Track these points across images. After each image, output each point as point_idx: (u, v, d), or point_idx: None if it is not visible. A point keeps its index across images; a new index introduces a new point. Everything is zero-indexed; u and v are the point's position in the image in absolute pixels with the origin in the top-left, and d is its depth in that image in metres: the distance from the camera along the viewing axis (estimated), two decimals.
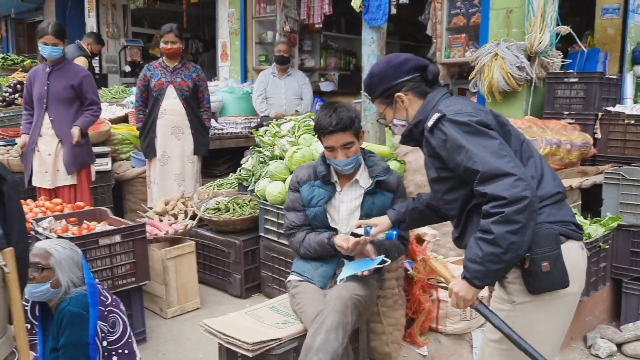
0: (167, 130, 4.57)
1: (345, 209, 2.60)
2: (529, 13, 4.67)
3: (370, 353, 2.84)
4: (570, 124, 4.43)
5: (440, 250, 3.40)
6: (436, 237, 3.21)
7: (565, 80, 4.61)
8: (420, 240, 3.21)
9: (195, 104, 4.69)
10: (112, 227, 2.94)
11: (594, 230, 3.22)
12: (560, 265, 1.71)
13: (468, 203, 1.84)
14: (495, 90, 4.73)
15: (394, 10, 4.41)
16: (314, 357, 2.08)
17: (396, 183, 2.60)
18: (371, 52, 3.23)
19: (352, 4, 3.22)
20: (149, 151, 4.63)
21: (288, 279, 2.65)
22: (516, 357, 1.80)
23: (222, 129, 5.70)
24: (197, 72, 4.72)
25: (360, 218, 2.54)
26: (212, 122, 5.64)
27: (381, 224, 2.34)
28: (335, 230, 2.56)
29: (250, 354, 2.27)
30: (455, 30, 5.53)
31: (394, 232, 2.40)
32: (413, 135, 1.98)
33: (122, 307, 2.52)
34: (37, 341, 2.44)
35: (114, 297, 2.54)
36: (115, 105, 5.95)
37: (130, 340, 2.47)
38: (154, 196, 4.57)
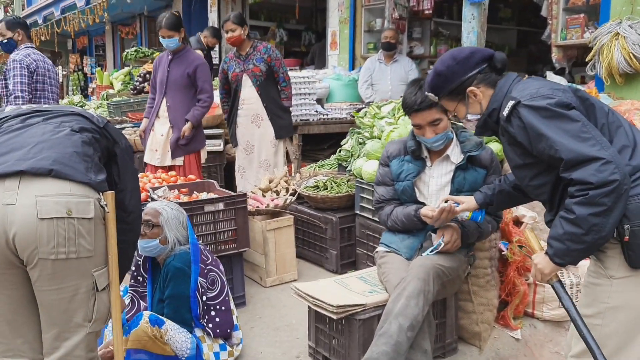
0: (247, 119, 4.68)
1: (435, 184, 2.60)
2: None
3: (459, 331, 2.82)
4: None
5: (539, 234, 3.26)
6: (535, 219, 3.09)
7: None
8: (518, 222, 3.12)
9: (273, 87, 4.69)
10: (216, 196, 3.18)
11: None
12: None
13: (559, 186, 1.77)
14: (615, 72, 4.40)
15: None
16: (394, 322, 2.12)
17: (489, 159, 2.55)
18: (471, 29, 3.18)
19: None
20: (234, 141, 4.81)
21: (376, 250, 2.71)
22: (606, 333, 1.73)
23: (327, 115, 5.85)
24: (269, 52, 4.65)
25: (451, 193, 2.54)
26: (318, 107, 5.85)
27: (467, 203, 2.32)
28: (423, 205, 2.57)
29: (334, 316, 2.37)
30: (574, 10, 5.20)
31: (480, 215, 2.37)
32: (488, 126, 1.94)
33: (221, 267, 2.73)
34: (146, 293, 2.73)
35: (214, 257, 2.76)
36: None
37: (227, 299, 2.67)
38: (239, 184, 4.79)
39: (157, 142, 4.34)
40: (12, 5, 18.06)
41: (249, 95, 4.64)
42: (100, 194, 1.77)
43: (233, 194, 3.26)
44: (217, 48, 8.94)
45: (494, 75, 1.94)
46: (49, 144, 1.74)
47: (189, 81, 4.30)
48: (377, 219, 3.44)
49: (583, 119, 1.68)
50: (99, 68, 11.29)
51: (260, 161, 4.71)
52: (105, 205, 1.77)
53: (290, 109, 4.91)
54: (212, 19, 9.53)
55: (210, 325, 2.57)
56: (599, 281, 1.76)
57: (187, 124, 4.23)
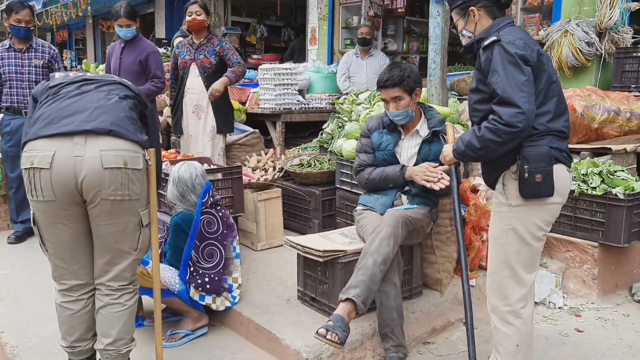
0: (190, 108, 4.65)
1: (405, 154, 3.11)
2: None
3: (424, 279, 3.33)
4: (637, 96, 4.62)
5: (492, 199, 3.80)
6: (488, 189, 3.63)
7: (634, 54, 4.78)
8: (474, 190, 3.65)
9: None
10: (215, 166, 3.64)
11: (639, 185, 3.50)
12: (549, 180, 2.19)
13: (486, 118, 2.26)
14: (564, 66, 4.99)
15: None
16: (370, 258, 2.62)
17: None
18: (437, 24, 3.69)
19: None
20: (177, 129, 4.78)
21: (355, 209, 3.21)
22: (511, 249, 2.30)
23: (307, 104, 6.32)
24: (221, 44, 4.63)
25: (416, 163, 3.05)
26: (300, 97, 6.29)
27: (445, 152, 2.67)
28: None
29: (321, 259, 2.86)
30: (530, 10, 5.79)
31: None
32: (473, 49, 2.41)
33: (230, 239, 3.14)
34: None
35: (229, 225, 3.15)
36: None
37: (222, 271, 3.06)
38: None
39: None
40: None
41: (194, 85, 4.61)
42: (145, 150, 2.24)
43: (230, 165, 3.73)
44: None
45: (495, 8, 2.38)
46: (105, 109, 2.19)
47: (141, 68, 4.47)
48: (355, 191, 3.96)
49: (529, 76, 2.16)
50: (86, 60, 11.52)
51: (198, 153, 4.63)
52: (149, 159, 2.25)
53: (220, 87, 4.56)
54: None
55: (199, 283, 2.99)
56: (502, 209, 2.33)
57: None
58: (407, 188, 3.07)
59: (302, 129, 6.54)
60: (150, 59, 4.50)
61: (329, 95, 6.55)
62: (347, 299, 2.53)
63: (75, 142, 2.10)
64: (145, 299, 3.15)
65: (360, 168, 3.18)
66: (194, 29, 4.61)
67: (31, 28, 4.60)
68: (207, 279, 3.02)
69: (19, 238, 4.69)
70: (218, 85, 4.44)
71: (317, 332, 2.40)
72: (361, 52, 6.67)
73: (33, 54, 4.63)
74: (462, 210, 3.49)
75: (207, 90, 4.53)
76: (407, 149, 3.10)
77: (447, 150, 2.54)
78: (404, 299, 3.15)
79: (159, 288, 2.53)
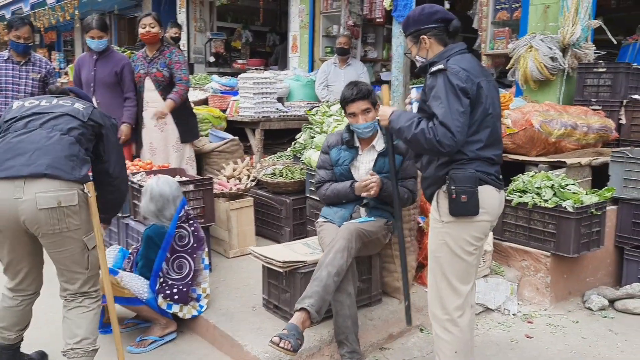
0: (151, 122, 4.63)
1: (364, 169, 3.29)
2: (564, 8, 5.08)
3: (384, 287, 3.52)
4: (596, 110, 4.83)
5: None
6: None
7: (595, 70, 4.99)
8: None
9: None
10: (187, 179, 3.81)
11: (589, 199, 3.70)
12: (474, 200, 2.40)
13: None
14: (530, 79, 5.20)
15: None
16: (324, 269, 2.80)
17: (405, 148, 3.25)
18: (399, 43, 3.87)
19: (384, 3, 3.87)
20: (139, 140, 4.78)
21: (316, 221, 3.39)
22: (445, 262, 2.50)
23: (286, 112, 6.47)
24: (172, 55, 4.63)
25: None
26: (279, 105, 6.42)
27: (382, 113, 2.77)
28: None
29: (281, 270, 3.04)
30: (500, 24, 6.00)
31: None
32: (425, 70, 2.59)
33: (199, 252, 3.32)
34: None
35: (199, 238, 3.33)
36: (199, 90, 6.91)
37: (190, 282, 3.23)
38: None
39: None
40: None
41: (153, 99, 4.67)
42: (84, 184, 2.48)
43: (201, 177, 3.90)
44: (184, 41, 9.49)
45: (445, 35, 2.57)
46: (44, 151, 2.43)
47: (117, 79, 4.61)
48: None
49: (466, 108, 2.36)
50: (71, 65, 11.63)
51: (165, 163, 4.62)
52: (88, 192, 2.49)
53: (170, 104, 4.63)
54: (181, 19, 10.04)
55: (168, 293, 3.16)
56: (436, 225, 2.54)
57: (123, 125, 4.54)
58: (365, 201, 3.25)
59: (282, 135, 6.71)
60: (124, 70, 4.64)
61: (308, 103, 6.73)
62: (302, 309, 2.70)
63: (16, 185, 2.38)
64: (116, 306, 3.31)
65: (319, 184, 3.36)
66: (147, 41, 4.64)
67: (29, 44, 4.76)
68: (175, 290, 3.18)
69: None
70: (164, 109, 4.54)
71: (271, 340, 2.58)
72: (339, 61, 6.85)
73: (31, 67, 4.80)
74: (420, 221, 3.68)
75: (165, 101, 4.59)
76: (365, 163, 3.27)
77: (385, 113, 2.64)
78: (363, 307, 3.35)
79: (112, 299, 2.72)
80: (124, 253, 3.45)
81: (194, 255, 3.29)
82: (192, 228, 3.27)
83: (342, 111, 4.54)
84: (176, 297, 3.17)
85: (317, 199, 4.20)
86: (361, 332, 3.09)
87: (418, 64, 2.68)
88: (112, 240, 4.26)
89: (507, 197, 3.92)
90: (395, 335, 3.34)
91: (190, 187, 3.73)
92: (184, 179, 3.85)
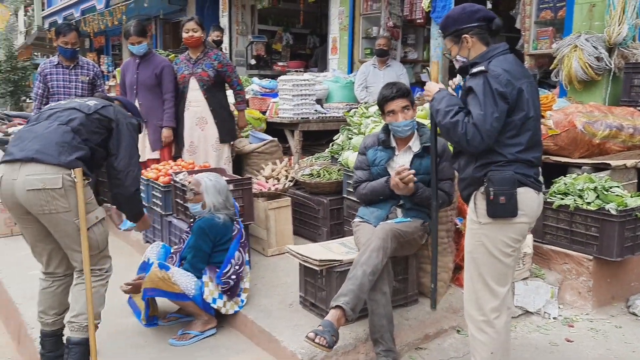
0: (192, 121, 4.86)
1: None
2: (610, 7, 4.95)
3: (420, 287, 3.52)
4: None
5: None
6: None
7: None
8: None
9: (220, 92, 4.93)
10: (227, 178, 3.91)
11: (634, 201, 3.60)
12: (513, 201, 2.38)
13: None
14: (574, 80, 5.08)
15: None
16: (359, 268, 2.83)
17: (442, 149, 3.25)
18: (437, 44, 3.87)
19: (422, 4, 3.88)
20: (180, 141, 4.97)
21: (353, 221, 3.42)
22: (482, 264, 2.49)
23: (325, 113, 6.53)
24: (219, 58, 4.86)
25: None
26: (317, 107, 6.50)
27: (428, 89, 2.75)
28: None
29: (317, 268, 3.09)
30: (544, 24, 5.88)
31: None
32: (466, 70, 2.59)
33: (246, 247, 3.47)
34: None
35: (245, 239, 3.50)
36: None
37: (241, 274, 3.40)
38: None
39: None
40: (32, 5, 18.86)
41: (196, 98, 4.86)
42: (71, 169, 2.61)
43: (241, 177, 3.99)
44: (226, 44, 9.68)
45: (487, 34, 2.56)
46: (39, 138, 2.65)
47: (157, 81, 4.82)
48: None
49: (501, 114, 2.35)
50: (118, 69, 12.02)
51: (204, 162, 4.82)
52: (74, 177, 2.61)
53: (234, 113, 5.24)
54: (224, 23, 10.25)
55: (224, 282, 3.28)
56: (473, 226, 2.53)
57: (164, 130, 4.80)
58: (401, 202, 3.27)
59: (320, 137, 6.76)
60: (164, 72, 4.84)
61: (346, 105, 6.76)
62: (337, 306, 2.74)
63: (13, 168, 2.63)
64: (162, 300, 3.43)
65: (356, 184, 3.39)
66: (191, 45, 4.86)
67: (77, 49, 4.98)
68: (234, 277, 3.31)
69: None
70: (242, 122, 5.18)
71: (306, 335, 2.63)
72: (378, 62, 6.86)
73: (80, 70, 5.04)
74: (458, 222, 3.67)
75: (207, 102, 4.84)
76: (402, 164, 3.28)
77: (431, 89, 2.64)
78: (399, 307, 3.36)
79: (90, 288, 2.80)
80: (166, 249, 3.56)
81: (246, 248, 3.44)
82: (242, 224, 3.47)
83: (380, 112, 4.62)
84: (231, 285, 3.29)
85: (355, 199, 4.24)
86: (397, 332, 3.11)
87: (458, 65, 2.68)
88: (156, 237, 4.40)
89: (548, 200, 3.86)
90: (431, 336, 3.34)
91: (230, 187, 3.81)
92: (224, 178, 3.94)
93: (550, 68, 5.39)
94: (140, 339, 3.27)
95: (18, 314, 3.62)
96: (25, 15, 21.57)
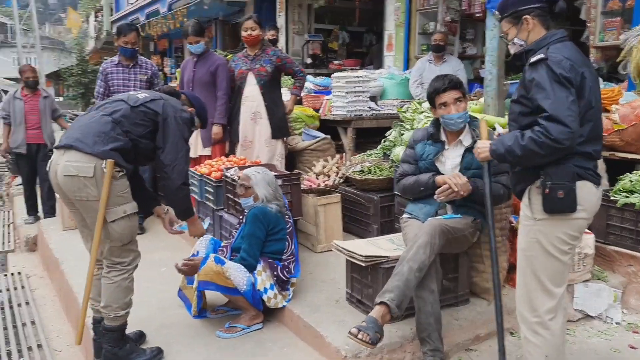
0: (247, 115, 4.92)
1: (450, 164, 3.20)
2: None
3: (471, 287, 3.40)
4: None
5: None
6: None
7: None
8: None
9: (275, 88, 4.97)
10: (276, 173, 3.92)
11: None
12: (572, 195, 2.23)
13: (524, 129, 2.32)
14: None
15: None
16: (406, 264, 2.76)
17: None
18: (493, 36, 3.72)
19: None
20: (235, 136, 5.02)
21: (401, 217, 3.35)
22: (537, 262, 2.35)
23: (379, 110, 6.45)
24: (277, 54, 4.95)
25: (460, 171, 3.13)
26: (371, 104, 6.43)
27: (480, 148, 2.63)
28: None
29: (363, 264, 3.04)
30: (611, 14, 5.57)
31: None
32: (521, 59, 2.45)
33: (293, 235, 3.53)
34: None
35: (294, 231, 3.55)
36: None
37: (292, 263, 3.46)
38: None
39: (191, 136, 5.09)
40: (102, 11, 19.73)
41: (252, 93, 4.91)
42: (104, 160, 2.67)
43: (289, 172, 4.00)
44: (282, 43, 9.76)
45: (548, 17, 2.42)
46: (82, 127, 2.79)
47: (212, 79, 4.93)
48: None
49: (575, 97, 2.21)
50: (179, 69, 12.38)
51: (255, 157, 4.89)
52: (104, 167, 2.68)
53: (291, 107, 5.28)
54: (280, 22, 10.35)
55: (279, 268, 3.33)
56: (527, 222, 2.39)
57: (215, 127, 4.88)
58: None
59: (374, 134, 6.68)
60: (219, 70, 4.95)
61: (401, 102, 6.65)
62: (381, 302, 2.68)
63: (59, 153, 2.78)
64: (210, 294, 3.48)
65: (400, 177, 3.31)
66: (249, 43, 4.95)
67: (136, 49, 5.16)
68: (285, 271, 3.36)
69: None
70: (291, 105, 5.17)
71: (349, 331, 2.58)
72: (434, 58, 6.72)
73: (138, 69, 5.21)
74: (513, 220, 3.52)
75: (263, 97, 4.88)
76: (452, 158, 3.19)
77: (483, 147, 2.54)
78: (449, 306, 3.26)
79: (91, 275, 2.90)
80: (215, 243, 3.60)
81: (294, 240, 3.49)
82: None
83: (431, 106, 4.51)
84: (285, 272, 3.35)
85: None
86: (446, 332, 3.01)
87: (513, 50, 2.54)
88: (208, 232, 4.47)
89: (612, 198, 3.64)
90: (482, 337, 3.22)
91: (279, 182, 3.82)
92: (273, 173, 3.96)
93: (618, 60, 5.10)
94: (189, 330, 3.32)
95: (77, 303, 3.77)
96: (95, 20, 22.60)
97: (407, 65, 8.07)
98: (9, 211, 7.59)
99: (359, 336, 2.53)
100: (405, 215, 3.31)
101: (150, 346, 3.05)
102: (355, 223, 4.64)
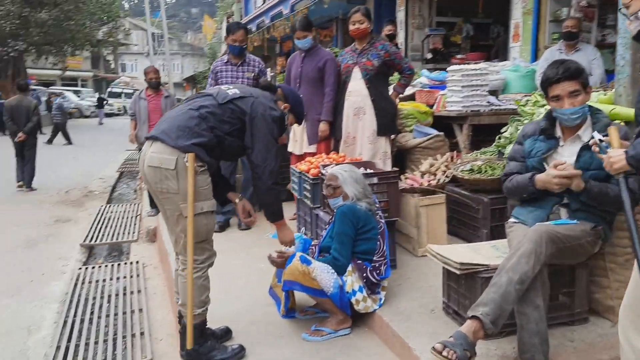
0: (351, 111, 4.70)
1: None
2: None
3: (593, 303, 2.94)
4: None
5: None
6: None
7: None
8: None
9: (382, 83, 4.71)
10: (372, 171, 3.71)
11: None
12: None
13: None
14: None
15: None
16: (504, 275, 2.42)
17: (624, 136, 2.64)
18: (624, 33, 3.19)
19: None
20: (338, 132, 4.83)
21: (506, 222, 2.97)
22: None
23: (499, 106, 5.96)
24: (386, 48, 4.70)
25: None
26: (491, 98, 5.97)
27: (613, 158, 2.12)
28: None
29: (457, 272, 2.73)
30: None
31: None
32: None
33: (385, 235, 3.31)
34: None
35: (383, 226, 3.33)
36: None
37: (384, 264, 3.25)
38: None
39: (295, 132, 4.98)
40: (233, 16, 20.78)
41: (357, 88, 4.69)
42: (186, 154, 2.64)
43: (387, 171, 3.76)
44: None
45: None
46: (169, 120, 2.79)
47: (320, 74, 4.80)
48: None
49: None
50: None
51: (357, 155, 4.68)
52: (186, 161, 2.64)
53: (396, 102, 5.07)
54: (400, 17, 10.07)
55: (369, 269, 3.14)
56: None
57: (322, 124, 4.76)
58: (565, 201, 2.74)
59: (494, 132, 6.19)
60: (327, 65, 4.81)
61: (524, 96, 6.09)
62: (474, 317, 2.38)
63: (148, 144, 2.79)
64: (300, 294, 3.36)
65: (505, 177, 2.94)
66: (357, 37, 4.76)
67: (244, 46, 5.26)
68: (382, 267, 3.19)
69: (221, 228, 5.38)
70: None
71: (433, 347, 2.31)
72: (566, 47, 6.07)
73: (246, 67, 5.31)
74: None
75: (368, 91, 4.63)
76: (567, 157, 2.74)
77: (617, 157, 2.06)
78: (562, 325, 2.85)
79: (192, 274, 2.80)
80: (305, 242, 3.48)
81: (385, 241, 3.28)
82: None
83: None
84: (374, 275, 3.15)
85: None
86: (557, 354, 2.61)
87: (633, 27, 2.10)
88: (307, 230, 4.39)
89: None
90: None
91: (374, 180, 3.62)
92: (369, 171, 3.76)
93: None
94: (276, 330, 3.24)
95: None
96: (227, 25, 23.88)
97: (535, 56, 7.40)
98: (138, 204, 8.17)
99: (444, 353, 2.25)
100: (511, 220, 2.94)
101: (234, 343, 3.00)
102: (463, 226, 4.28)
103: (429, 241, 3.99)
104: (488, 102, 5.91)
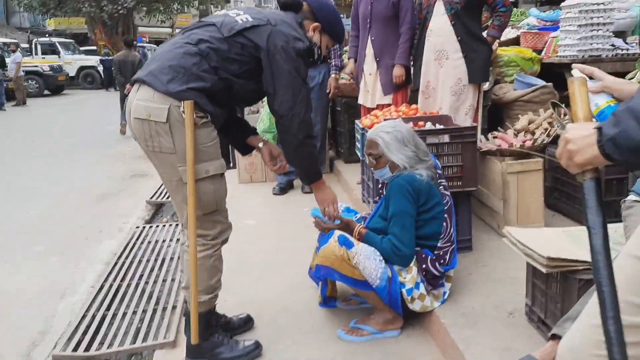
0: (431, 55, 3.83)
1: None
2: None
3: None
4: None
5: None
6: None
7: None
8: None
9: (473, 19, 3.79)
10: (441, 127, 2.90)
11: None
12: None
13: None
14: None
15: None
16: None
17: None
18: None
19: None
20: (416, 80, 4.04)
21: (623, 200, 2.09)
22: None
23: (627, 50, 4.80)
24: None
25: None
26: (617, 41, 4.84)
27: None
28: None
29: (544, 269, 1.94)
30: None
31: None
32: None
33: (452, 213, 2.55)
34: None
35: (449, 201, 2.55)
36: (509, 28, 5.74)
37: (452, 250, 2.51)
38: None
39: (366, 83, 4.25)
40: None
41: (439, 26, 3.77)
42: (181, 102, 2.04)
43: (461, 127, 2.92)
44: None
45: None
46: (159, 58, 2.15)
47: (394, 11, 4.09)
48: None
49: None
50: None
51: (438, 109, 3.80)
52: (183, 111, 2.04)
53: (496, 42, 4.13)
54: None
55: (431, 260, 2.43)
56: None
57: (396, 68, 4.05)
58: None
59: None
60: (402, 0, 4.07)
61: None
62: (555, 336, 1.61)
63: (135, 89, 2.18)
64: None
65: None
66: None
67: None
68: (447, 256, 2.48)
69: (282, 190, 4.86)
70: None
71: None
72: None
73: None
74: None
75: (454, 30, 3.71)
76: None
77: (579, 137, 1.12)
78: None
79: (195, 254, 2.21)
80: (350, 212, 2.80)
81: (452, 220, 2.53)
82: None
83: None
84: (435, 266, 2.44)
85: None
86: None
87: None
88: (370, 197, 3.70)
89: None
90: None
91: (446, 139, 2.82)
92: (438, 126, 2.96)
93: None
94: (308, 322, 2.63)
95: None
96: None
97: None
98: None
99: None
100: (630, 197, 2.05)
101: (251, 338, 2.43)
102: (568, 200, 3.37)
103: (519, 218, 3.15)
104: (612, 45, 4.79)
